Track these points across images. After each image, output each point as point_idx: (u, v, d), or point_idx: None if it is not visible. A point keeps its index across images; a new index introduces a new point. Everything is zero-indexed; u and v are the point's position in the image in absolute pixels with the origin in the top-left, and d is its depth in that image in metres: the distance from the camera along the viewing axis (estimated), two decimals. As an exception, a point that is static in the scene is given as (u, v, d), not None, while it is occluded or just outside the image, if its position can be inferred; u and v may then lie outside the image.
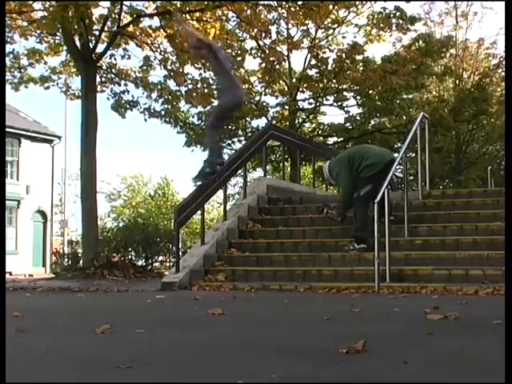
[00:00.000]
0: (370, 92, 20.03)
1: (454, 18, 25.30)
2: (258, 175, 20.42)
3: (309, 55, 20.34)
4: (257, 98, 20.92)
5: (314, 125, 23.84)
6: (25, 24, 13.27)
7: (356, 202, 7.44)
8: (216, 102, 8.02)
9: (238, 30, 16.84)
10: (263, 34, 16.56)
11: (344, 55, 18.85)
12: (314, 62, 19.81)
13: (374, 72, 18.24)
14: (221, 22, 14.87)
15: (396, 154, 8.45)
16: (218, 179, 7.85)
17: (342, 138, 22.94)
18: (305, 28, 19.54)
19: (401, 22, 18.23)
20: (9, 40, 13.27)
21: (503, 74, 21.40)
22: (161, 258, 13.48)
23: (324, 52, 19.67)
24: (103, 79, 14.11)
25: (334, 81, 19.58)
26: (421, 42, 19.50)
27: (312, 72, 19.81)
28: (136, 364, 2.39)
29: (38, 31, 13.39)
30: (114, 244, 11.07)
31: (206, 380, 2.16)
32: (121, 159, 72.73)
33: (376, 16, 18.63)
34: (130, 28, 13.30)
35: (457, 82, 24.36)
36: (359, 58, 19.05)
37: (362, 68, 19.12)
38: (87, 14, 11.65)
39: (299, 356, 2.61)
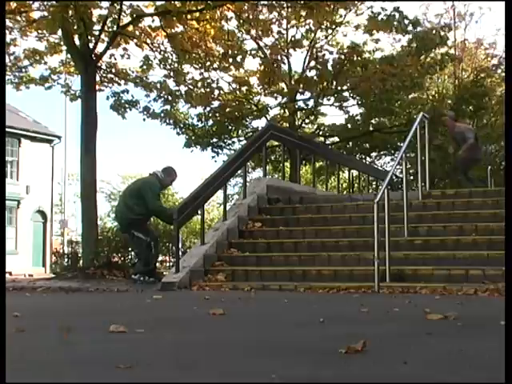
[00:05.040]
0: (370, 92, 20.02)
1: (451, 19, 25.27)
2: (258, 175, 20.41)
3: (308, 56, 20.34)
4: (256, 99, 20.92)
5: (315, 126, 23.85)
6: (24, 24, 13.25)
7: None
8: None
9: (237, 31, 16.85)
10: (263, 35, 16.59)
11: (343, 57, 18.86)
12: (313, 63, 19.82)
13: (374, 74, 18.22)
14: (220, 22, 14.87)
15: (396, 154, 8.53)
16: None
17: (342, 138, 22.96)
18: (305, 28, 19.55)
19: (401, 24, 18.20)
20: (10, 42, 13.26)
21: (503, 74, 21.40)
22: (161, 258, 13.47)
23: (324, 54, 19.67)
24: (103, 79, 14.11)
25: (334, 82, 19.59)
26: (417, 42, 19.47)
27: (311, 73, 19.84)
28: (136, 364, 2.39)
29: (38, 31, 13.38)
30: (114, 244, 11.06)
31: (206, 380, 2.16)
32: (121, 159, 72.78)
33: (375, 17, 18.58)
34: (130, 28, 13.29)
35: (456, 81, 24.36)
36: (359, 59, 19.04)
37: (360, 70, 19.10)
38: (87, 14, 11.64)
39: (299, 356, 2.61)
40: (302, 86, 19.76)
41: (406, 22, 17.71)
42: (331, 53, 19.72)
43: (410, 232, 7.42)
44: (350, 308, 4.68)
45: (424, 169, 9.24)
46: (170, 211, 7.90)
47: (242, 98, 20.49)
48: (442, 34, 19.46)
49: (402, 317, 4.04)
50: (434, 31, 19.68)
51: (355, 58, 18.76)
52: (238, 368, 2.36)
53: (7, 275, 14.20)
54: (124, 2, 12.35)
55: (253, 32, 17.45)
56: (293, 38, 19.60)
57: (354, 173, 13.62)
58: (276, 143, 17.94)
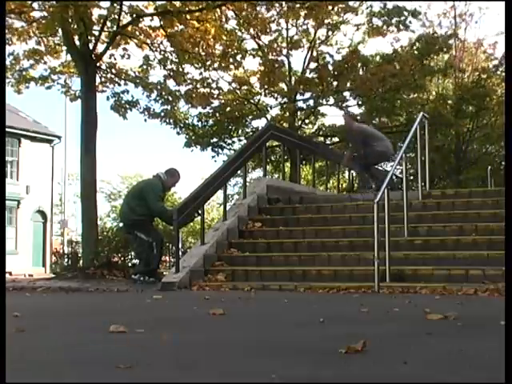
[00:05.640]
0: (370, 93, 20.04)
1: (452, 19, 25.27)
2: (258, 175, 20.40)
3: (308, 56, 20.35)
4: (256, 99, 20.91)
5: (315, 126, 23.85)
6: (24, 25, 13.25)
7: None
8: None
9: (237, 30, 16.85)
10: (262, 34, 16.58)
11: (345, 59, 18.88)
12: (314, 65, 19.83)
13: (373, 75, 18.23)
14: (220, 20, 14.87)
15: (396, 154, 8.57)
16: None
17: (342, 138, 22.95)
18: (305, 28, 19.56)
19: (401, 19, 18.20)
20: (8, 42, 13.26)
21: (503, 74, 21.40)
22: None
23: (324, 57, 19.67)
24: (103, 79, 14.10)
25: (335, 83, 19.61)
26: (420, 43, 19.50)
27: (312, 74, 19.83)
28: (136, 364, 2.39)
29: (38, 33, 13.38)
30: (114, 244, 11.05)
31: (205, 380, 2.16)
32: (121, 159, 72.78)
33: (375, 15, 18.60)
34: (130, 28, 13.29)
35: (456, 80, 24.37)
36: (359, 58, 19.07)
37: (361, 70, 19.12)
38: (87, 14, 11.65)
39: (299, 356, 2.61)
40: (302, 86, 19.77)
41: (406, 13, 17.69)
42: (331, 56, 19.75)
43: (410, 232, 7.42)
44: (350, 308, 4.68)
45: (424, 169, 9.24)
46: (171, 212, 7.92)
47: (242, 98, 20.49)
48: (446, 40, 19.53)
49: (402, 317, 4.04)
50: (436, 36, 19.73)
51: (356, 60, 18.77)
52: (238, 368, 2.36)
53: (7, 275, 14.21)
54: (124, 2, 12.35)
55: (252, 31, 17.44)
56: (292, 39, 19.62)
57: (354, 173, 13.60)
58: (276, 143, 17.95)
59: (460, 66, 23.98)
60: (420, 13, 20.32)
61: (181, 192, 40.40)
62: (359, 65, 19.17)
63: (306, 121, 22.80)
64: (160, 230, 11.70)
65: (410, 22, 18.52)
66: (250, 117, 21.29)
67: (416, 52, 19.34)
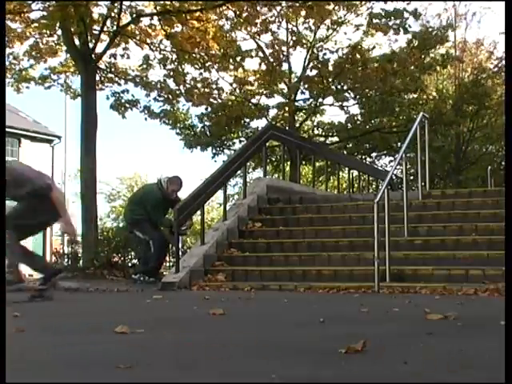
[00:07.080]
0: (370, 93, 20.01)
1: (451, 18, 25.28)
2: (258, 175, 20.40)
3: (308, 55, 20.34)
4: (256, 99, 20.90)
5: (315, 124, 23.83)
6: (23, 25, 13.26)
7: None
8: None
9: (237, 31, 16.86)
10: (262, 33, 16.58)
11: (345, 57, 18.86)
12: (314, 63, 19.81)
13: (374, 72, 18.21)
14: (220, 20, 14.88)
15: (396, 154, 8.59)
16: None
17: (342, 138, 22.95)
18: (305, 27, 19.56)
19: (401, 21, 18.14)
20: (9, 44, 13.28)
21: (503, 74, 21.40)
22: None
23: (324, 54, 19.67)
24: (103, 79, 14.11)
25: (336, 82, 19.58)
26: (417, 41, 19.45)
27: (312, 73, 19.83)
28: (136, 364, 2.39)
29: (37, 34, 13.40)
30: (114, 244, 11.06)
31: (206, 380, 2.16)
32: (120, 160, 72.76)
33: (375, 18, 18.54)
34: (130, 27, 13.31)
35: (456, 81, 24.37)
36: (359, 57, 19.03)
37: (361, 68, 19.09)
38: (87, 13, 11.66)
39: (299, 356, 2.60)
40: (304, 84, 19.76)
41: (406, 15, 17.61)
42: (333, 52, 19.73)
43: (410, 232, 7.42)
44: (350, 308, 4.68)
45: (424, 169, 9.25)
46: (169, 222, 8.18)
47: (242, 98, 20.49)
48: (443, 32, 19.48)
49: (402, 317, 4.04)
50: (434, 31, 19.69)
51: (357, 57, 18.74)
52: (238, 368, 2.36)
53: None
54: (124, 2, 12.36)
55: (253, 29, 17.43)
56: (293, 38, 19.60)
57: (354, 173, 13.61)
58: (276, 143, 17.95)
59: (460, 66, 23.98)
60: (421, 14, 20.26)
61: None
62: (359, 58, 19.05)
63: (307, 120, 22.78)
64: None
65: (410, 26, 18.49)
66: (251, 116, 21.26)
67: (414, 47, 19.27)
